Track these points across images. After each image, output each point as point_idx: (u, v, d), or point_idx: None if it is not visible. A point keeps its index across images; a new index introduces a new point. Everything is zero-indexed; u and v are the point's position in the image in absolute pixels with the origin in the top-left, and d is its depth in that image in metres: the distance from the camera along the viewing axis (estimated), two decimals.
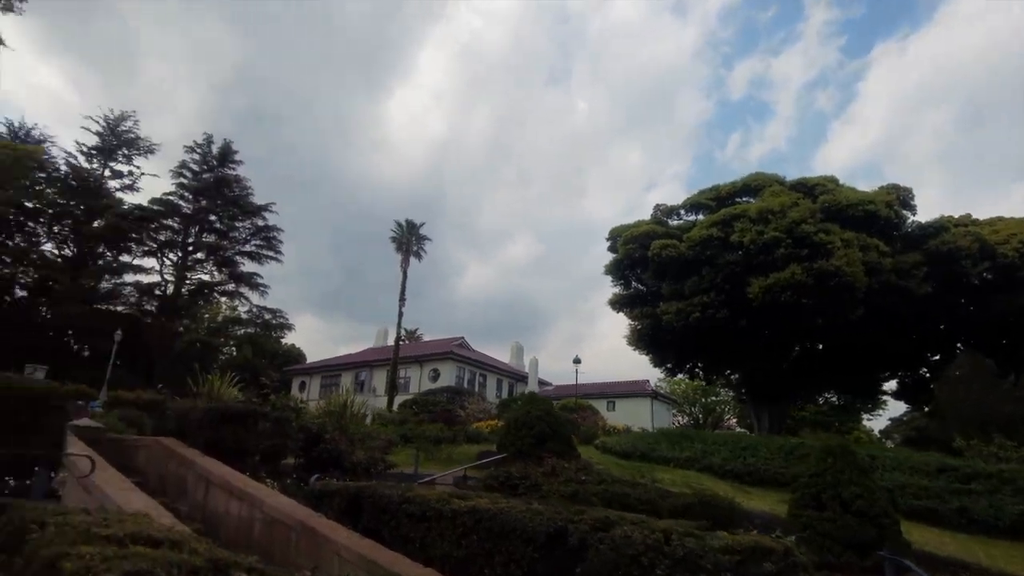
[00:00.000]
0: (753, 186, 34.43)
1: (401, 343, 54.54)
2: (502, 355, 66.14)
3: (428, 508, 7.73)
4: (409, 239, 51.65)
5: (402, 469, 18.69)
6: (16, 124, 40.16)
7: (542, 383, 56.12)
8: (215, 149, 41.95)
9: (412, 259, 51.76)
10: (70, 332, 40.52)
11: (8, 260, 37.99)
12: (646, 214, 39.07)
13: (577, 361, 36.45)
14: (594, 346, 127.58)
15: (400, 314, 50.82)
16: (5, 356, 34.32)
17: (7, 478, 10.33)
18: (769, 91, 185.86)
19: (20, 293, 38.85)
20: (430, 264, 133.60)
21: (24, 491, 9.91)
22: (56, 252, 39.67)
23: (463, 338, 61.09)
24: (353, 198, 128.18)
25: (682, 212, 36.74)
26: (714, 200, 35.03)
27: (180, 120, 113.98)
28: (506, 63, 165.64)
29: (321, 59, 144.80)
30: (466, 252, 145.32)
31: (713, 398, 63.95)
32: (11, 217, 38.81)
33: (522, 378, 59.42)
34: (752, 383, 34.86)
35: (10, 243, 38.35)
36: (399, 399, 46.24)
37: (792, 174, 34.00)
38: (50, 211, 38.79)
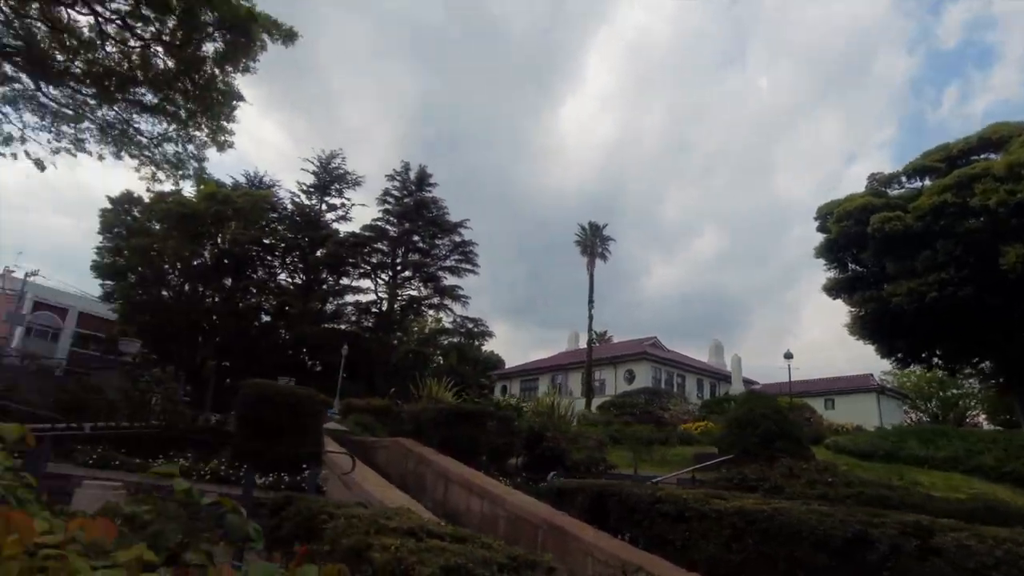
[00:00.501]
0: (993, 139, 29.38)
1: (592, 345, 54.85)
2: (697, 354, 63.41)
3: (686, 508, 7.30)
4: (593, 241, 51.58)
5: (620, 469, 18.40)
6: (251, 173, 46.80)
7: (747, 382, 52.74)
8: (412, 175, 45.31)
9: (598, 261, 51.69)
10: (304, 349, 46.15)
11: (254, 291, 44.26)
12: (849, 190, 35.21)
13: (789, 356, 33.65)
14: (800, 339, 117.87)
15: (590, 316, 50.92)
16: (258, 372, 40.41)
17: (282, 474, 11.62)
18: (993, 30, 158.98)
19: (265, 318, 44.96)
20: (613, 266, 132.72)
21: (296, 485, 11.15)
22: (289, 280, 45.41)
23: (655, 338, 59.58)
24: (532, 208, 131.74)
25: (903, 180, 32.45)
26: (943, 161, 30.47)
27: (377, 154, 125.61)
28: (675, 53, 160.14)
29: (494, 78, 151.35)
30: (649, 251, 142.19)
31: (954, 391, 55.70)
32: (253, 254, 45.29)
33: (723, 377, 56.43)
34: (1016, 371, 29.58)
35: (254, 276, 44.63)
36: (596, 401, 46.22)
37: None
38: (282, 245, 44.53)
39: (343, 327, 46.22)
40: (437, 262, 43.81)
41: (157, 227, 43.85)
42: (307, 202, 46.14)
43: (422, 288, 43.70)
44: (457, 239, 44.00)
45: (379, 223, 43.86)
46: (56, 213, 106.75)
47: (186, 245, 42.31)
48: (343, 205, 46.45)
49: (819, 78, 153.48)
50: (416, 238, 43.70)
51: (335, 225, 45.90)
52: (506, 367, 60.85)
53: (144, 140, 20.31)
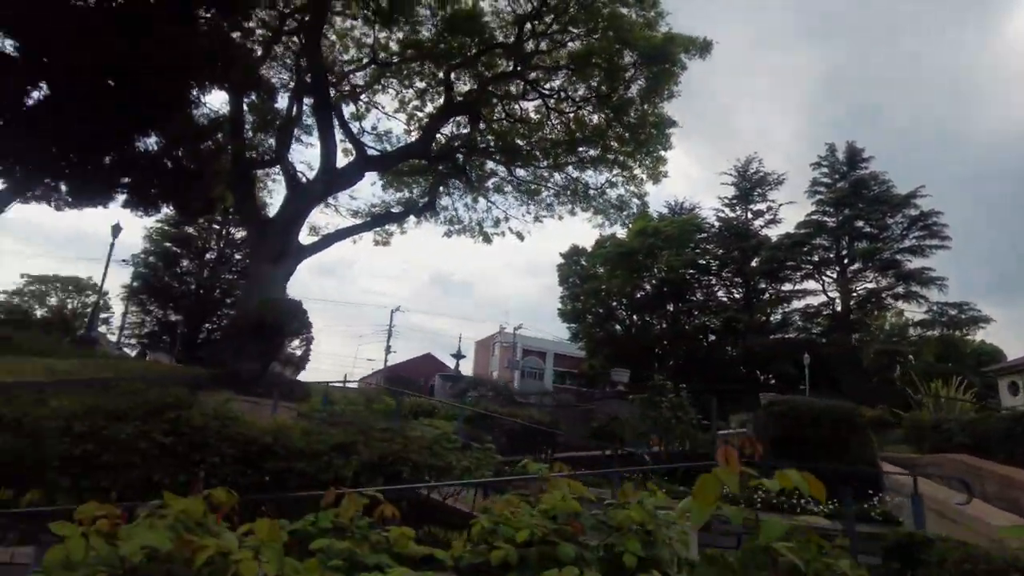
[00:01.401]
0: None
1: None
2: None
3: None
4: None
5: None
6: (671, 202, 48.58)
7: None
8: (840, 156, 40.49)
9: None
10: (753, 364, 44.51)
11: (696, 312, 45.11)
12: None
13: None
14: None
15: None
16: (711, 390, 40.71)
17: (832, 501, 9.49)
18: None
19: (711, 337, 45.22)
20: None
21: (864, 515, 9.02)
22: (728, 296, 44.88)
23: None
24: (990, 154, 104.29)
25: None
26: None
27: (781, 151, 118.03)
28: None
29: (898, 25, 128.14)
30: None
31: None
32: (688, 276, 46.37)
33: None
34: None
35: (694, 298, 45.60)
36: None
37: None
38: (715, 263, 44.45)
39: (792, 335, 43.33)
40: (892, 244, 37.62)
41: (600, 270, 48.91)
42: (731, 214, 45.47)
43: (879, 279, 37.95)
44: (913, 213, 37.12)
45: (814, 217, 40.14)
46: (516, 275, 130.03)
47: (627, 280, 45.94)
48: (769, 209, 44.20)
49: None
50: (859, 224, 38.47)
51: (764, 231, 43.91)
52: (1008, 360, 47.87)
53: (592, 192, 22.59)
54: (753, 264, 42.99)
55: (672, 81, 17.88)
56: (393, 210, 21.60)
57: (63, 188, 19.10)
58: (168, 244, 35.40)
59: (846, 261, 39.68)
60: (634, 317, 48.82)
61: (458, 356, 35.92)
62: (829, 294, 40.57)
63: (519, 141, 20.43)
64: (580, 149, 20.45)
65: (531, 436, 12.22)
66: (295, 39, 18.69)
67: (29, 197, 17.59)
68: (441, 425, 14.85)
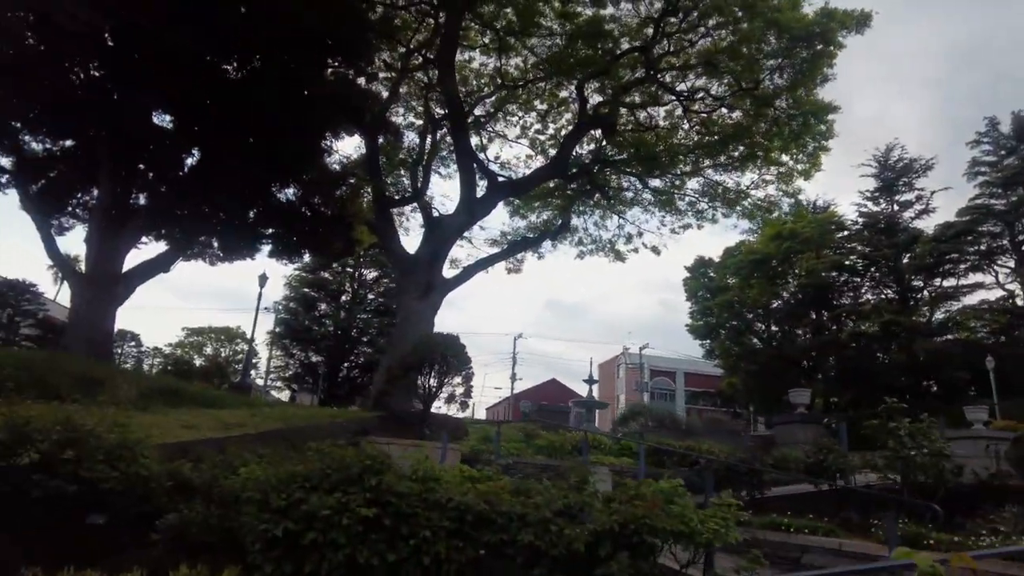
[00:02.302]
0: None
1: None
2: None
3: None
4: None
5: None
6: (805, 201, 44.86)
7: None
8: (1006, 130, 35.74)
9: None
10: (917, 370, 39.67)
11: (843, 316, 41.14)
12: None
13: None
14: None
15: None
16: (869, 402, 36.63)
17: None
18: None
19: (864, 342, 40.81)
20: None
21: None
22: (881, 297, 40.61)
23: None
24: None
25: None
26: None
27: (911, 133, 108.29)
28: None
29: None
30: None
31: None
32: (831, 279, 42.48)
33: None
34: None
35: (841, 302, 41.70)
36: None
37: None
38: (862, 262, 40.45)
39: (962, 336, 38.35)
40: None
41: (731, 281, 45.94)
42: (875, 208, 41.26)
43: None
44: None
45: (979, 201, 35.54)
46: (633, 293, 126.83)
47: (764, 289, 42.76)
48: (919, 198, 39.73)
49: None
50: None
51: (916, 223, 39.47)
52: None
53: (734, 195, 20.79)
54: (905, 260, 38.66)
55: (827, 63, 15.99)
56: (529, 236, 20.94)
57: (215, 244, 20.07)
58: (306, 289, 37.08)
59: None
60: (774, 328, 45.34)
61: (591, 381, 34.33)
62: (1007, 287, 35.54)
63: (655, 148, 19.12)
64: (720, 149, 18.79)
65: (728, 472, 10.66)
66: (422, 74, 18.61)
67: (188, 255, 18.55)
68: (611, 462, 13.62)
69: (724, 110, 18.33)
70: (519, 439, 15.20)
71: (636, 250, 23.67)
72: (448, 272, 18.62)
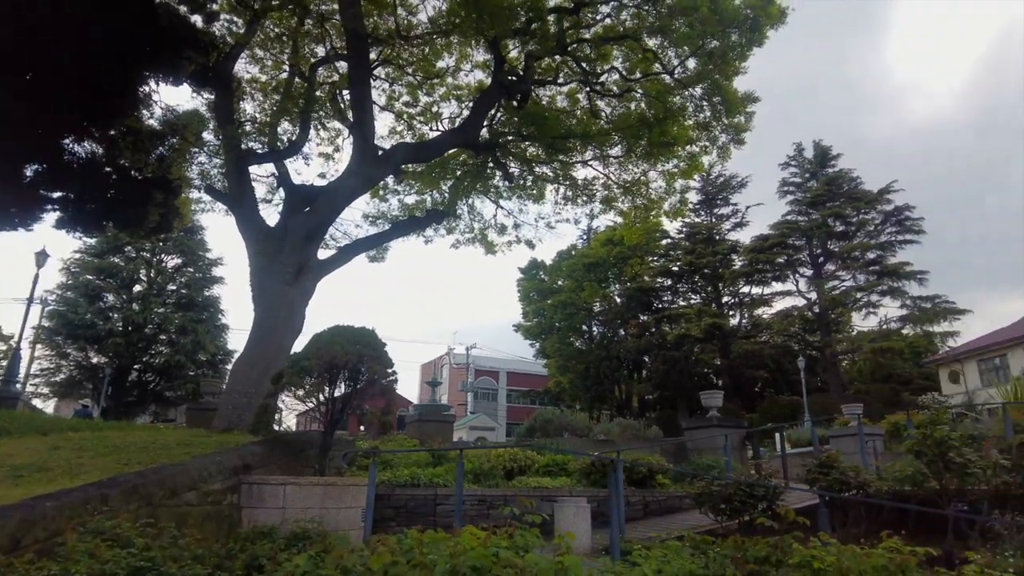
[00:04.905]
0: None
1: None
2: None
3: None
4: None
5: None
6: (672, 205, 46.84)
7: None
8: (810, 155, 40.26)
9: None
10: (730, 372, 43.36)
11: (666, 320, 43.51)
12: None
13: None
14: None
15: None
16: (688, 400, 39.43)
17: None
18: None
19: (684, 345, 43.52)
20: (1017, 199, 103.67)
21: None
22: (699, 302, 43.56)
23: None
24: (907, 158, 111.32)
25: None
26: None
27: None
28: None
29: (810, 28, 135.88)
30: None
31: None
32: (657, 285, 44.86)
33: None
34: None
35: (663, 306, 44.16)
36: None
37: None
38: (684, 269, 43.13)
39: (765, 338, 42.61)
40: (869, 240, 37.46)
41: (562, 283, 46.44)
42: (697, 220, 44.14)
43: (858, 277, 37.61)
44: (888, 208, 37.15)
45: (789, 217, 39.56)
46: (474, 292, 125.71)
47: (595, 292, 43.75)
48: (735, 212, 43.33)
49: None
50: (831, 222, 38.03)
51: (733, 235, 43.02)
52: (948, 349, 49.55)
53: (622, 189, 19.75)
54: (720, 270, 41.98)
55: (749, 51, 15.44)
56: (417, 215, 17.75)
57: None
58: (90, 276, 29.30)
59: (821, 260, 39.24)
60: (603, 329, 46.60)
61: (434, 384, 31.83)
62: (806, 296, 39.93)
63: (561, 129, 17.25)
64: (632, 136, 17.48)
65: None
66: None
67: None
68: (550, 484, 11.35)
69: (637, 94, 17.13)
70: (428, 460, 12.33)
71: (509, 244, 21.79)
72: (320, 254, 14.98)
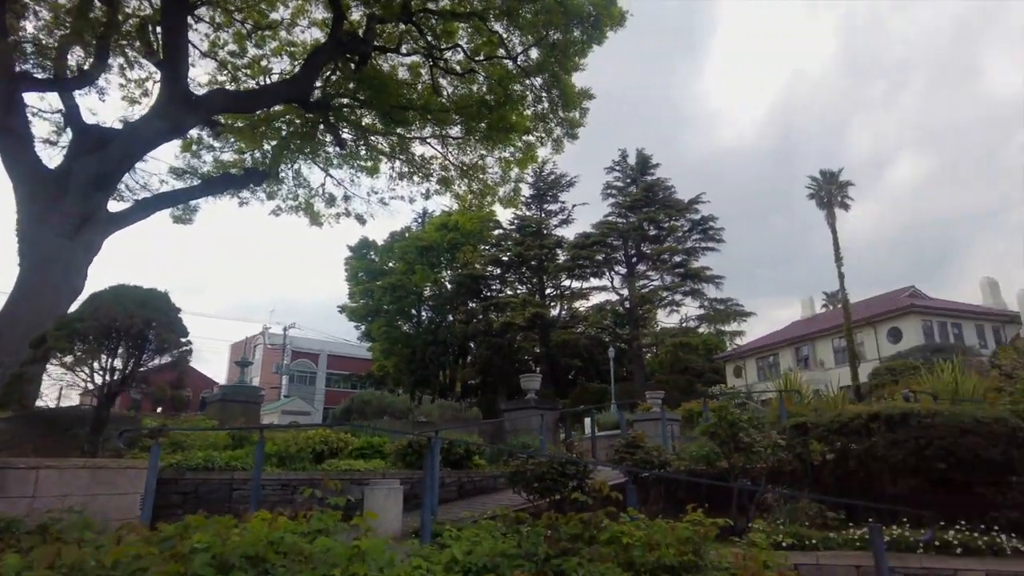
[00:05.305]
0: None
1: (826, 309, 48.40)
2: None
3: None
4: (829, 191, 46.10)
5: None
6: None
7: None
8: (632, 162, 43.13)
9: (839, 211, 46.11)
10: (549, 358, 45.44)
11: (493, 308, 44.45)
12: None
13: None
14: None
15: (841, 275, 45.35)
16: (509, 386, 40.82)
17: None
18: None
19: (509, 333, 44.80)
20: (801, 219, 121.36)
21: None
22: (525, 292, 45.08)
23: (914, 287, 52.53)
24: (714, 175, 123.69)
25: None
26: None
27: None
28: None
29: (634, 49, 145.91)
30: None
31: None
32: (487, 273, 45.61)
33: (1009, 319, 48.20)
34: None
35: (492, 294, 45.09)
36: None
37: None
38: (513, 259, 44.40)
39: (581, 329, 45.15)
40: (678, 245, 41.13)
41: (393, 264, 45.52)
42: (527, 213, 45.46)
43: (665, 277, 41.12)
44: (695, 217, 41.01)
45: (610, 218, 42.12)
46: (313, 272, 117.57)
47: (426, 276, 43.47)
48: (563, 210, 45.30)
49: None
50: (646, 226, 41.25)
51: (559, 231, 44.99)
52: (733, 348, 56.50)
53: (460, 171, 19.63)
54: (546, 263, 43.77)
55: (589, 48, 15.94)
56: (232, 172, 15.91)
57: None
58: None
59: (634, 261, 42.31)
60: (432, 314, 46.42)
61: (243, 364, 29.33)
62: (619, 292, 42.84)
63: (400, 100, 16.54)
64: (471, 116, 17.29)
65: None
66: None
67: None
68: (364, 467, 10.79)
69: (480, 77, 16.96)
70: (228, 443, 11.16)
71: (338, 216, 20.71)
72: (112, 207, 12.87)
